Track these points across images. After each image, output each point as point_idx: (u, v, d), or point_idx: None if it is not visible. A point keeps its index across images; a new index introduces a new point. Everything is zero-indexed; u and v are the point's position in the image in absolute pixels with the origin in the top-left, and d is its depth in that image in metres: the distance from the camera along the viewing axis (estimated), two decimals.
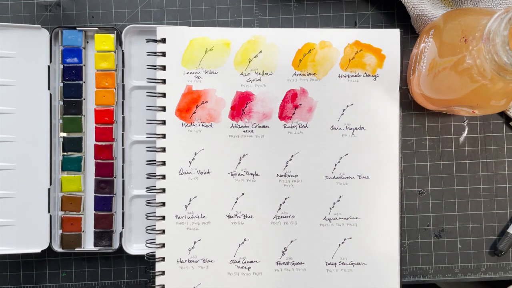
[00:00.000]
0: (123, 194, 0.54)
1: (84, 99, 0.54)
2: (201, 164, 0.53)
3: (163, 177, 0.53)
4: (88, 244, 0.54)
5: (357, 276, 0.53)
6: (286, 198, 0.53)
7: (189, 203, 0.53)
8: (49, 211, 0.53)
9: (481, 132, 0.55)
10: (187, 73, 0.53)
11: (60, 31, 0.53)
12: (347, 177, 0.53)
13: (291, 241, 0.53)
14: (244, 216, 0.53)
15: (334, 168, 0.53)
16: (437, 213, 0.55)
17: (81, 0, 0.55)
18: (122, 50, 0.54)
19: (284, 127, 0.53)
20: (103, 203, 0.54)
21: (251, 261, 0.53)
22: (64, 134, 0.54)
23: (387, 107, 0.53)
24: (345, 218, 0.53)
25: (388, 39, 0.52)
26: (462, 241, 0.55)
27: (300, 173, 0.53)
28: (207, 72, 0.53)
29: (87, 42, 0.54)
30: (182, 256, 0.53)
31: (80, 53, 0.53)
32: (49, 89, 0.53)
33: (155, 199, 0.53)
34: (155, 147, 0.53)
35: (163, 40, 0.53)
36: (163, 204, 0.53)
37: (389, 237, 0.53)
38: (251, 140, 0.53)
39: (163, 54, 0.53)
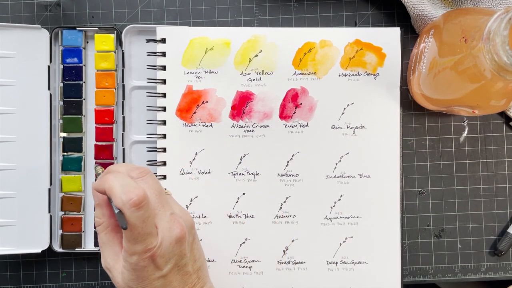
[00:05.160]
0: None
1: (84, 99, 0.54)
2: (202, 164, 0.53)
3: (164, 177, 0.53)
4: (89, 244, 0.54)
5: (358, 275, 0.53)
6: (287, 198, 0.53)
7: (190, 203, 0.53)
8: (49, 211, 0.53)
9: (481, 132, 0.55)
10: (187, 73, 0.53)
11: (60, 31, 0.53)
12: (348, 176, 0.53)
13: (292, 240, 0.53)
14: (245, 215, 0.53)
15: (335, 167, 0.53)
16: (437, 213, 0.55)
17: (81, 0, 0.55)
18: (122, 50, 0.54)
19: (285, 126, 0.53)
20: None
21: (253, 261, 0.53)
22: (64, 134, 0.54)
23: (388, 106, 0.53)
24: (346, 217, 0.53)
25: (388, 37, 0.52)
26: (462, 241, 0.55)
27: (301, 173, 0.53)
28: (207, 72, 0.53)
29: (87, 42, 0.54)
30: None
31: (80, 53, 0.53)
32: (49, 89, 0.53)
33: None
34: (155, 148, 0.53)
35: (163, 40, 0.53)
36: None
37: (390, 235, 0.53)
38: (251, 139, 0.53)
39: (163, 54, 0.53)
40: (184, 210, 0.44)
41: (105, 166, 0.53)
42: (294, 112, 0.53)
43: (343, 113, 0.53)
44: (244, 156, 0.53)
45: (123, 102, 0.54)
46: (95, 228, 0.52)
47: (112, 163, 0.53)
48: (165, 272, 0.41)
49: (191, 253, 0.43)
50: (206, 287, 0.45)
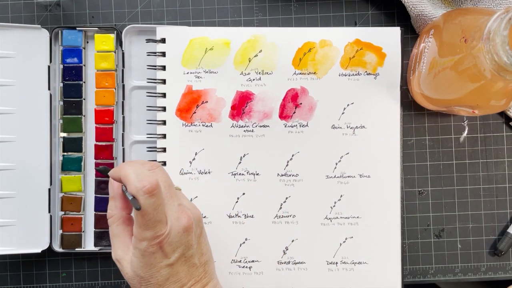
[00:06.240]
0: None
1: (84, 99, 0.54)
2: (201, 164, 0.53)
3: None
4: (88, 244, 0.54)
5: (358, 275, 0.53)
6: (287, 198, 0.53)
7: None
8: (49, 211, 0.53)
9: (481, 132, 0.55)
10: (187, 73, 0.53)
11: (60, 31, 0.53)
12: (348, 176, 0.53)
13: (292, 241, 0.53)
14: (245, 215, 0.53)
15: (335, 167, 0.53)
16: (437, 213, 0.55)
17: (81, 0, 0.55)
18: (122, 50, 0.54)
19: (285, 126, 0.53)
20: (104, 204, 0.53)
21: (253, 261, 0.53)
22: (64, 134, 0.54)
23: (388, 106, 0.53)
24: (346, 217, 0.53)
25: (388, 37, 0.52)
26: (462, 241, 0.55)
27: (301, 173, 0.53)
28: (207, 72, 0.53)
29: (87, 42, 0.54)
30: None
31: (80, 53, 0.53)
32: (49, 89, 0.53)
33: None
34: (155, 148, 0.53)
35: (163, 40, 0.53)
36: None
37: (391, 235, 0.53)
38: (251, 139, 0.53)
39: (163, 54, 0.53)
40: (192, 204, 0.46)
41: (105, 165, 0.53)
42: (294, 112, 0.53)
43: (343, 113, 0.53)
44: (244, 156, 0.53)
45: (123, 102, 0.54)
46: (93, 226, 0.53)
47: (112, 163, 0.53)
48: (172, 261, 0.42)
49: (198, 245, 0.44)
50: (212, 283, 0.45)
